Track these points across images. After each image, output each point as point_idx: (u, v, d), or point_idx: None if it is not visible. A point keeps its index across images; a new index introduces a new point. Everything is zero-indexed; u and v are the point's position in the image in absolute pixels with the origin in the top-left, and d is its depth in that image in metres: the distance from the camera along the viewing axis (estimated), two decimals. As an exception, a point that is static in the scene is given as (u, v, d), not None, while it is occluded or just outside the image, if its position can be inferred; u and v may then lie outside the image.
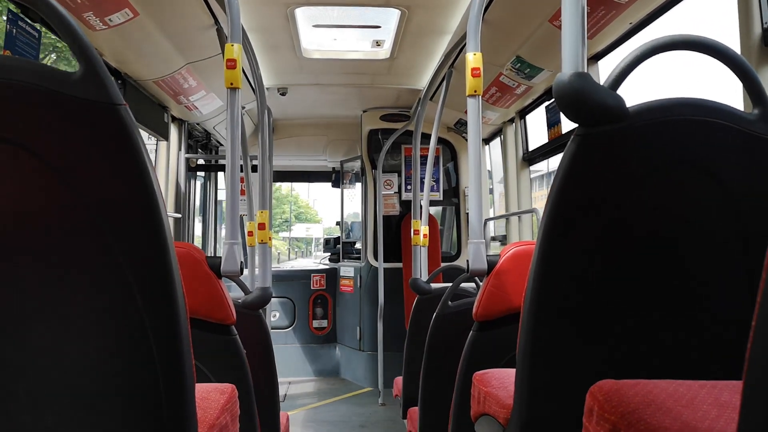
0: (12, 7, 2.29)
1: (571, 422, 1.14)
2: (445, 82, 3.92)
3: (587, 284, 1.23)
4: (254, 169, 4.25)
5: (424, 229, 3.79)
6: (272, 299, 2.98)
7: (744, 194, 1.22)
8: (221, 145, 5.78)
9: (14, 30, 2.28)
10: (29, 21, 2.35)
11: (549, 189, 1.23)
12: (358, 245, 6.58)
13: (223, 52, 2.20)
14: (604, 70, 3.30)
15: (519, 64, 3.68)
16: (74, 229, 1.03)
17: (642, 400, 0.96)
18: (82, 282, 1.04)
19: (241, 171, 2.64)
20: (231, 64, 2.15)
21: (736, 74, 1.29)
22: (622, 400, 0.97)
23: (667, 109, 1.19)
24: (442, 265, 5.18)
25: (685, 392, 0.99)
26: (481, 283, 2.31)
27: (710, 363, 1.25)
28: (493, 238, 5.26)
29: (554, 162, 4.53)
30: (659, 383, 1.03)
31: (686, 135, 1.20)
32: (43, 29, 2.44)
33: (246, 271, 3.33)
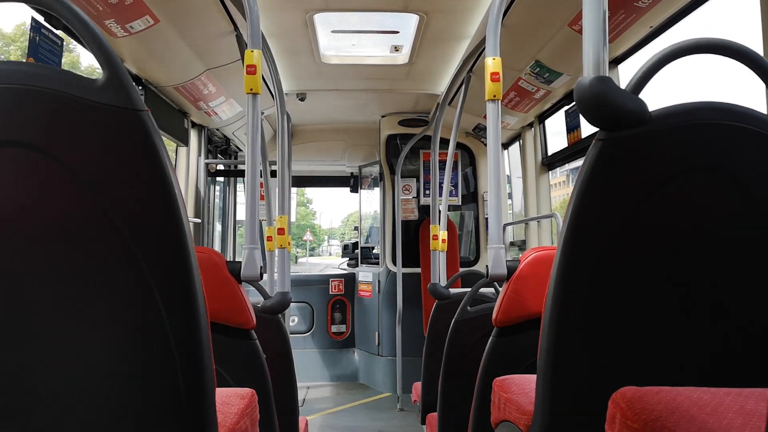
0: (35, 14, 2.32)
1: (592, 430, 1.12)
2: (463, 87, 3.91)
3: (609, 290, 1.22)
4: (273, 174, 4.27)
5: (442, 234, 3.78)
6: (291, 304, 2.98)
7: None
8: (240, 150, 5.82)
9: (37, 38, 2.31)
10: (52, 29, 2.38)
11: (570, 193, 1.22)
12: (376, 250, 6.58)
13: (242, 58, 2.21)
14: (624, 74, 3.28)
15: (538, 69, 3.66)
16: (96, 234, 1.03)
17: (665, 407, 0.95)
18: (104, 286, 1.05)
19: (261, 176, 2.66)
20: (251, 69, 2.16)
21: (760, 77, 1.27)
22: (645, 407, 0.95)
23: (689, 112, 1.18)
24: (461, 270, 5.17)
25: (709, 400, 0.98)
26: (500, 289, 2.30)
27: (735, 370, 1.23)
28: (512, 243, 5.24)
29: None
30: (683, 390, 1.02)
31: (709, 139, 1.18)
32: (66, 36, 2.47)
33: (265, 276, 3.34)
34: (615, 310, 1.22)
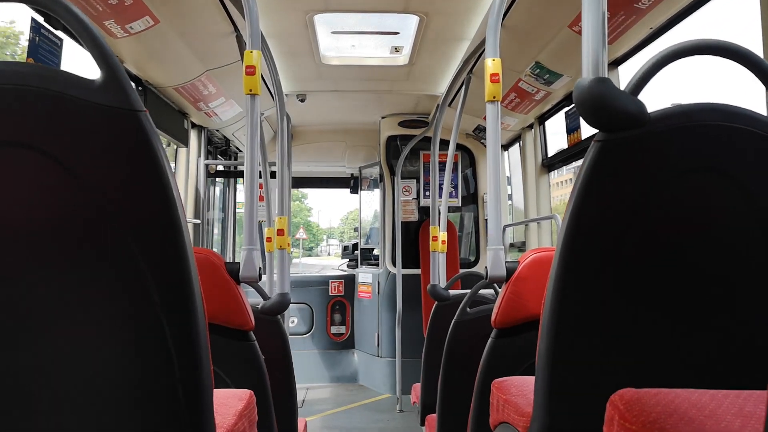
0: (35, 15, 2.31)
1: (591, 431, 1.12)
2: (463, 88, 3.91)
3: (608, 291, 1.22)
4: (273, 175, 4.27)
5: (442, 236, 3.77)
6: (290, 305, 2.98)
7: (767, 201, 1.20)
8: (240, 151, 5.82)
9: (37, 38, 2.31)
10: (51, 29, 2.38)
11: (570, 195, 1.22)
12: (376, 251, 6.58)
13: (242, 59, 2.21)
14: (624, 75, 3.29)
15: (538, 70, 3.66)
16: (94, 234, 1.03)
17: (664, 409, 0.95)
18: (102, 287, 1.05)
19: (260, 177, 2.65)
20: (250, 70, 2.16)
21: (759, 79, 1.27)
22: (644, 409, 0.95)
23: (688, 114, 1.17)
24: (461, 271, 5.17)
25: (707, 402, 0.98)
26: (500, 290, 2.30)
27: (733, 372, 1.23)
28: (512, 245, 5.24)
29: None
30: (681, 392, 1.02)
31: (708, 140, 1.18)
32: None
33: (264, 277, 3.34)
34: (614, 312, 1.22)
